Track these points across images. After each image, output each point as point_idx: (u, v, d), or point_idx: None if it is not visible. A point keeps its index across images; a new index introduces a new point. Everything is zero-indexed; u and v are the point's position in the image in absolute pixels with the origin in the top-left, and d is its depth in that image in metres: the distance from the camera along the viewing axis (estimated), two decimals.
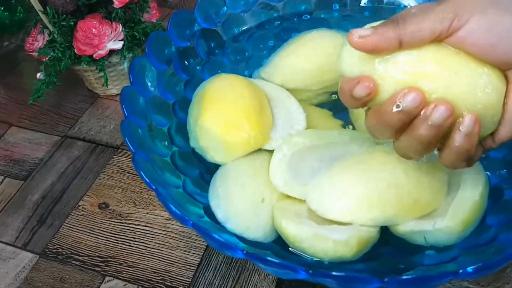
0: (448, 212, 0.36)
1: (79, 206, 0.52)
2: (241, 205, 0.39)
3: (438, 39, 0.28)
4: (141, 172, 0.36)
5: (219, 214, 0.39)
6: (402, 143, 0.30)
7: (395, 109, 0.28)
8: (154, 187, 0.35)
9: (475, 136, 0.28)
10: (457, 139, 0.28)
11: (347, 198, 0.37)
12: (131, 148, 0.38)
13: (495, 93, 0.28)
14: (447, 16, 0.27)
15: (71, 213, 0.51)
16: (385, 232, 0.38)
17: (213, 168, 0.44)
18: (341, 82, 0.30)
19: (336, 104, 0.52)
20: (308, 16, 0.57)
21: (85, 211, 0.51)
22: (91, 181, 0.54)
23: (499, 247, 0.34)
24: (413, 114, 0.28)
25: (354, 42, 0.28)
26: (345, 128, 0.49)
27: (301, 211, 0.39)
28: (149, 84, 0.46)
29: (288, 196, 0.41)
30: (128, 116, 0.41)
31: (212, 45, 0.54)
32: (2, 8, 0.70)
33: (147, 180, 0.35)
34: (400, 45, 0.28)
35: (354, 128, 0.48)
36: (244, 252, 0.30)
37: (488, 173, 0.40)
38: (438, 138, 0.28)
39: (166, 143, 0.44)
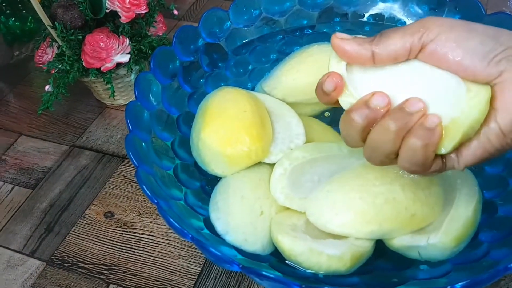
0: (442, 227, 0.37)
1: (86, 214, 0.53)
2: (240, 218, 0.40)
3: (411, 55, 0.30)
4: (144, 187, 0.37)
5: (219, 227, 0.40)
6: (367, 145, 0.32)
7: (362, 110, 0.30)
8: (155, 201, 0.36)
9: (430, 137, 0.28)
10: (413, 136, 0.29)
11: (345, 212, 0.38)
12: (135, 162, 0.39)
13: (467, 101, 0.29)
14: (417, 30, 0.29)
15: (78, 222, 0.53)
16: (380, 246, 0.39)
17: (214, 179, 0.46)
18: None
19: (334, 117, 0.53)
20: (310, 31, 0.58)
21: (91, 220, 0.53)
22: (98, 190, 0.56)
23: (491, 263, 0.35)
24: (378, 113, 0.30)
25: (335, 42, 0.31)
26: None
27: (298, 224, 0.40)
28: (154, 98, 0.48)
29: (287, 208, 0.42)
30: (132, 130, 0.42)
31: (216, 59, 0.55)
32: (13, 19, 0.72)
33: (149, 194, 0.37)
34: (373, 58, 0.30)
35: None
36: (240, 266, 0.32)
37: (481, 189, 0.41)
38: (398, 139, 0.29)
39: (170, 156, 0.46)
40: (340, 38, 0.31)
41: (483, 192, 0.41)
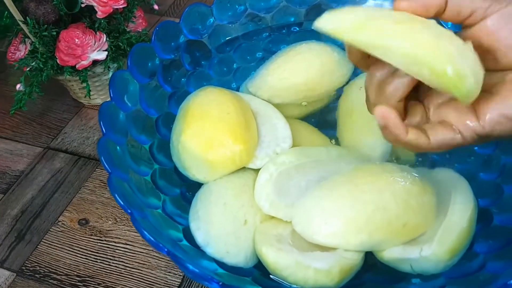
0: (435, 238, 0.35)
1: (59, 221, 0.50)
2: (222, 228, 0.38)
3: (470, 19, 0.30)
4: (116, 195, 0.34)
5: (199, 238, 0.37)
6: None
7: None
8: (129, 211, 0.34)
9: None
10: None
11: (333, 222, 0.35)
12: (107, 167, 0.36)
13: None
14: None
15: (51, 229, 0.50)
16: (370, 258, 0.37)
17: (195, 186, 0.43)
18: None
19: (322, 119, 0.51)
20: (297, 28, 0.55)
21: (64, 227, 0.50)
22: (72, 195, 0.52)
23: (487, 276, 0.33)
24: None
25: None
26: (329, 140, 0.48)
27: (284, 235, 0.37)
28: (131, 98, 0.45)
29: (272, 217, 0.39)
30: (106, 133, 0.39)
31: (198, 56, 0.52)
32: None
33: (122, 203, 0.34)
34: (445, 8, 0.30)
35: (338, 143, 0.47)
36: (220, 284, 0.29)
37: (476, 197, 0.39)
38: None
39: (147, 161, 0.43)
40: None
41: (478, 200, 0.39)
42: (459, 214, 0.36)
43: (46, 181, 0.54)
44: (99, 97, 0.62)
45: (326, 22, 0.30)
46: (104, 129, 0.39)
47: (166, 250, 0.31)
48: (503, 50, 0.29)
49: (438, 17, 0.30)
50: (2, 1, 0.50)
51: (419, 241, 0.36)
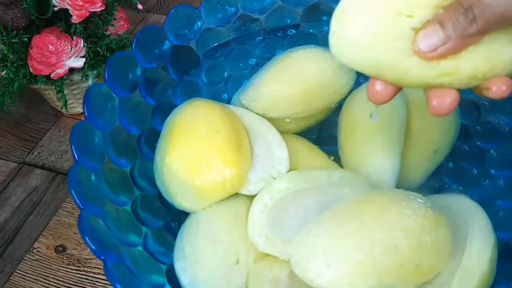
0: (453, 284, 0.31)
1: (34, 248, 0.46)
2: (211, 270, 0.33)
3: None
4: (87, 239, 0.30)
5: (184, 280, 0.33)
6: None
7: None
8: (102, 258, 0.29)
9: None
10: None
11: (337, 265, 0.31)
12: (79, 204, 0.32)
13: None
14: None
15: (25, 258, 0.45)
16: None
17: (182, 214, 0.38)
18: None
19: (321, 134, 0.46)
20: (294, 31, 0.50)
21: (40, 255, 0.45)
22: (48, 218, 0.48)
23: None
24: None
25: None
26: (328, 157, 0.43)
27: (281, 278, 0.33)
28: (109, 115, 0.40)
29: (267, 254, 0.35)
30: (79, 160, 0.35)
31: (185, 64, 0.47)
32: None
33: (94, 248, 0.29)
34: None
35: (338, 158, 0.43)
36: None
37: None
38: None
39: (127, 187, 0.38)
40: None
41: (496, 233, 0.35)
42: (479, 254, 0.32)
43: (20, 201, 0.50)
44: (79, 105, 0.57)
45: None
46: (76, 156, 0.35)
47: None
48: None
49: None
50: None
51: (434, 283, 0.32)
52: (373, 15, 0.26)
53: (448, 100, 0.25)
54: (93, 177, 0.35)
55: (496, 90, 0.25)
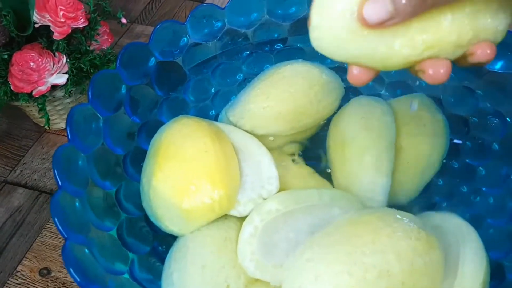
0: None
1: (17, 272, 0.44)
2: None
3: None
4: (71, 270, 0.29)
5: None
6: None
7: None
8: None
9: None
10: None
11: None
12: (63, 233, 0.31)
13: None
14: None
15: (8, 281, 0.44)
16: None
17: (170, 238, 0.38)
18: None
19: (310, 150, 0.46)
20: (281, 45, 0.50)
21: (23, 279, 0.44)
22: (32, 240, 0.47)
23: None
24: None
25: None
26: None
27: None
28: (93, 136, 0.39)
29: (258, 279, 0.34)
30: (62, 185, 0.34)
31: (172, 80, 0.46)
32: None
33: (79, 280, 0.28)
34: None
35: (327, 174, 0.42)
36: None
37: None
38: None
39: (112, 211, 0.37)
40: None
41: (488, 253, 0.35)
42: (472, 277, 0.32)
43: (3, 222, 0.48)
44: (62, 121, 0.55)
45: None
46: (60, 182, 0.34)
47: None
48: None
49: None
50: None
51: None
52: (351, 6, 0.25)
53: (441, 70, 0.25)
54: (77, 203, 0.34)
55: (481, 53, 0.25)
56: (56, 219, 0.31)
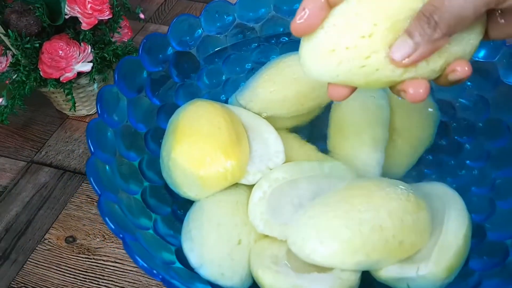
0: (431, 257, 0.35)
1: (45, 239, 0.49)
2: (216, 250, 0.37)
3: None
4: (107, 219, 0.33)
5: (192, 259, 0.37)
6: None
7: None
8: (121, 236, 0.33)
9: None
10: None
11: (330, 242, 0.35)
12: (97, 190, 0.35)
13: None
14: None
15: (36, 248, 0.48)
16: (366, 277, 0.36)
17: (187, 203, 0.42)
18: None
19: (313, 130, 0.50)
20: (286, 39, 0.55)
21: (51, 246, 0.48)
22: (58, 212, 0.51)
23: None
24: None
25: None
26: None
27: (280, 256, 0.37)
28: (119, 114, 0.43)
29: (267, 235, 0.39)
30: (94, 152, 0.38)
31: (187, 68, 0.51)
32: None
33: (113, 227, 0.33)
34: None
35: (329, 155, 0.47)
36: None
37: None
38: None
39: (137, 179, 0.42)
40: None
41: (471, 215, 0.39)
42: (454, 231, 0.36)
43: (30, 197, 0.53)
44: (84, 108, 0.60)
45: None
46: (92, 148, 0.38)
47: (160, 277, 0.30)
48: None
49: None
50: None
51: (415, 259, 0.36)
52: (339, 39, 0.30)
53: (421, 90, 0.29)
54: (107, 168, 0.39)
55: (461, 70, 0.28)
56: (91, 178, 0.36)
